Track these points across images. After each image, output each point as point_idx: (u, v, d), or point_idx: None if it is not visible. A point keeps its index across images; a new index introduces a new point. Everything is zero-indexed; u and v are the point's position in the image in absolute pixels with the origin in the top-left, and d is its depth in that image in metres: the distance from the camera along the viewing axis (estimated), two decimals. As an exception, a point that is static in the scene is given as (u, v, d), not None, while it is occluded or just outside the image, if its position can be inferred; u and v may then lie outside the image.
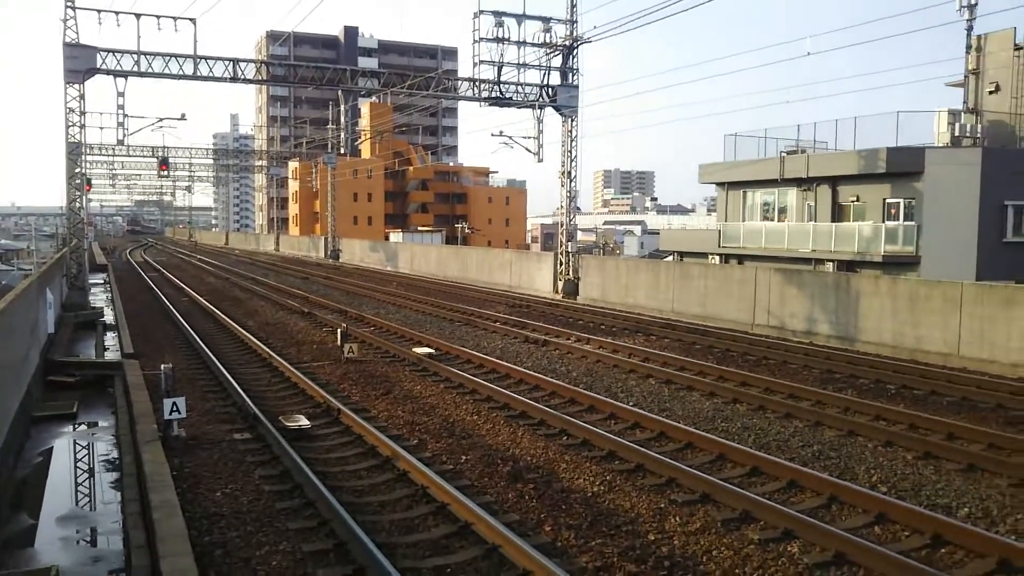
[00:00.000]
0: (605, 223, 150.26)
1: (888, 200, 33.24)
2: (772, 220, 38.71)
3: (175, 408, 11.17)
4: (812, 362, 17.55)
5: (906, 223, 32.20)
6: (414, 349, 18.70)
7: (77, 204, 29.48)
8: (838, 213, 35.34)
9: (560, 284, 32.91)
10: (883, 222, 32.82)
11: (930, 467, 10.32)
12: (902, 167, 31.67)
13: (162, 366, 12.14)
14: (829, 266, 33.55)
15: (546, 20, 31.49)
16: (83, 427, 13.61)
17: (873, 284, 20.35)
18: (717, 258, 39.68)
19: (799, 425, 12.39)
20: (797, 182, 36.66)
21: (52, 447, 12.39)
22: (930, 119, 33.65)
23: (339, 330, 19.65)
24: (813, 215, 36.07)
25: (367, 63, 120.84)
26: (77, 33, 27.87)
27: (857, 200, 34.46)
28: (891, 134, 32.94)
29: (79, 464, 11.80)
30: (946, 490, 9.43)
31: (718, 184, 41.97)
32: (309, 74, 32.67)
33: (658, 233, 68.30)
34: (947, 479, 9.85)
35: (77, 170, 29.11)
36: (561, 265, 33.07)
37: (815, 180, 35.75)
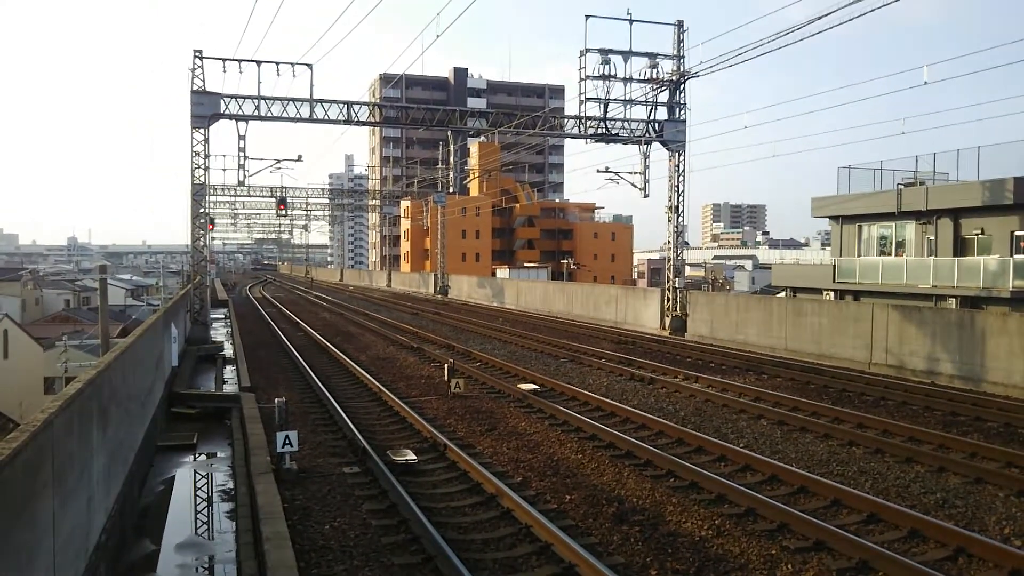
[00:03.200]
0: (715, 258, 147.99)
1: (1017, 233, 31.56)
2: (889, 254, 37.31)
3: (287, 441, 11.50)
4: (934, 403, 16.72)
5: (1037, 257, 30.48)
6: (519, 385, 18.74)
7: (201, 242, 30.96)
8: (960, 247, 33.76)
9: (667, 320, 32.47)
10: (1011, 256, 31.16)
11: (1067, 519, 9.64)
12: (1032, 198, 30.05)
13: (276, 400, 12.56)
14: (951, 302, 32.02)
15: (653, 56, 31.45)
16: (202, 457, 14.18)
17: (1001, 322, 19.29)
18: (832, 294, 38.42)
19: (920, 470, 11.79)
20: (916, 215, 35.27)
21: (174, 476, 12.94)
22: (1062, 147, 31.86)
23: (446, 365, 19.89)
24: (933, 249, 34.57)
25: (476, 103, 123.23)
26: (203, 81, 29.49)
27: (982, 233, 32.86)
28: (1018, 163, 31.36)
29: (198, 493, 12.28)
30: (1086, 545, 8.78)
31: (832, 218, 40.77)
32: (420, 115, 33.51)
33: (770, 268, 66.72)
34: (1087, 533, 9.17)
35: (201, 210, 30.64)
36: (668, 301, 32.65)
37: (935, 213, 34.32)
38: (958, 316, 21.09)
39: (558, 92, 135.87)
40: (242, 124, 30.77)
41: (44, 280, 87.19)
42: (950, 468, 11.75)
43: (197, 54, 29.39)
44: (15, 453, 5.03)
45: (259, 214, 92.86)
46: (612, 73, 30.95)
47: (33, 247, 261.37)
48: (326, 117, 30.98)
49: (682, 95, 32.53)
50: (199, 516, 11.20)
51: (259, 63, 29.86)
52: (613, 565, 8.11)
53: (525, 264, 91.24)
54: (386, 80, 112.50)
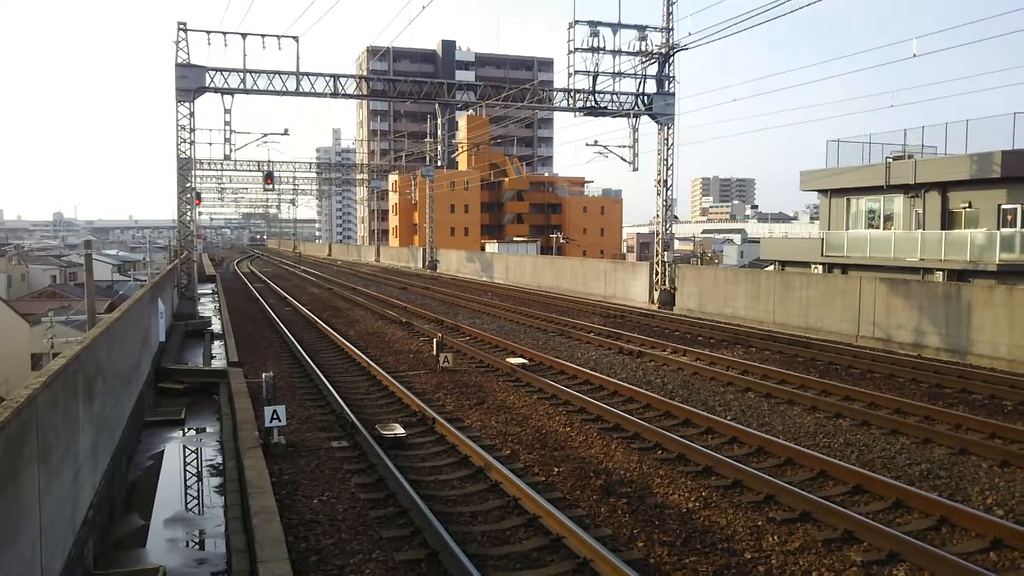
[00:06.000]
0: (703, 232, 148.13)
1: (1004, 206, 31.69)
2: (877, 228, 37.42)
3: (275, 416, 11.49)
4: (920, 376, 16.84)
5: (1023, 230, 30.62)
6: (508, 359, 18.75)
7: (187, 217, 30.75)
8: (948, 220, 33.89)
9: (656, 294, 32.53)
10: (998, 229, 31.30)
11: (1050, 489, 9.74)
12: (1019, 171, 30.14)
13: (263, 375, 12.53)
14: (938, 276, 32.18)
15: (641, 28, 31.25)
16: (190, 433, 14.15)
17: (987, 294, 19.40)
18: (820, 267, 38.56)
19: (906, 442, 11.88)
20: (904, 188, 35.35)
21: (162, 451, 12.92)
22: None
23: (435, 340, 19.88)
24: (921, 223, 34.69)
25: (464, 76, 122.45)
26: (188, 54, 29.17)
27: (969, 207, 32.98)
28: (1007, 137, 31.40)
29: (187, 468, 12.27)
30: (1068, 514, 8.87)
31: (820, 191, 40.84)
32: (407, 88, 33.27)
33: (758, 242, 66.83)
34: (1069, 502, 9.27)
35: (188, 184, 30.42)
36: (657, 275, 32.69)
37: (923, 186, 34.40)
38: (945, 289, 21.19)
39: (547, 65, 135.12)
40: (227, 97, 30.52)
41: (30, 256, 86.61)
42: (935, 439, 11.84)
43: (181, 26, 29.04)
44: (-2, 429, 4.99)
45: (246, 188, 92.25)
46: (601, 46, 30.77)
47: (18, 222, 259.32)
48: (312, 90, 30.74)
49: (671, 68, 32.38)
50: (188, 491, 11.20)
51: (244, 36, 29.55)
52: (600, 537, 8.15)
53: (514, 238, 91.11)
54: (373, 53, 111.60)
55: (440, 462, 11.14)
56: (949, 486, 9.89)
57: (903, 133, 37.22)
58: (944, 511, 8.76)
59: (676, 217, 37.60)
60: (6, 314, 50.65)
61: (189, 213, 30.84)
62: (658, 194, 32.87)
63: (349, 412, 13.22)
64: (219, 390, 16.37)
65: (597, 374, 16.87)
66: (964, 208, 33.22)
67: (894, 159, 36.29)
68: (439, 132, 60.72)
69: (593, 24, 30.55)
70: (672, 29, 31.25)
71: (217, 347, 22.81)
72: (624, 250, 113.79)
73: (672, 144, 32.51)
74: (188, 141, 29.54)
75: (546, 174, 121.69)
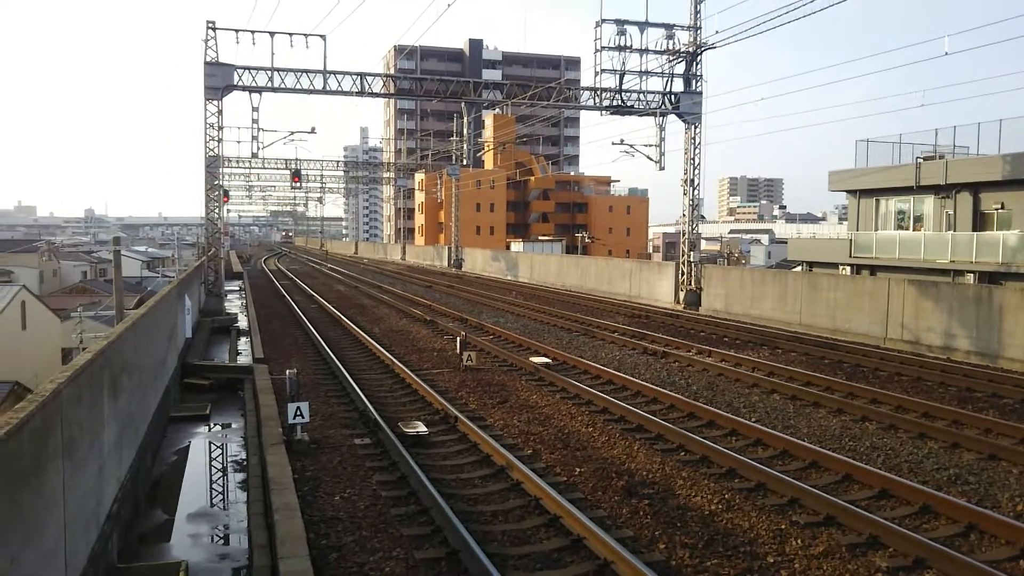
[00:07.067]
0: (731, 232, 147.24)
1: (1037, 208, 31.17)
2: (907, 229, 36.95)
3: (299, 412, 11.54)
4: (949, 379, 16.60)
5: (1057, 232, 30.11)
6: (531, 359, 18.72)
7: (215, 214, 31.00)
8: (980, 222, 33.38)
9: (681, 294, 32.35)
10: (1031, 231, 30.79)
11: (1082, 496, 9.55)
12: (1054, 172, 29.64)
13: (287, 372, 12.60)
14: (969, 278, 31.72)
15: (669, 27, 31.06)
16: (215, 428, 14.26)
17: (1019, 297, 19.07)
18: (848, 268, 38.15)
19: (934, 446, 11.71)
20: (934, 189, 34.87)
21: (187, 446, 13.03)
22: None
23: (458, 338, 19.89)
24: (952, 224, 34.21)
25: (491, 75, 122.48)
26: (217, 52, 29.40)
27: (1002, 208, 32.46)
28: (1041, 137, 30.91)
29: (211, 464, 12.37)
30: (1100, 522, 8.69)
31: (849, 192, 40.38)
32: (434, 87, 33.31)
33: (786, 242, 66.25)
34: (1101, 510, 9.09)
35: (216, 182, 30.66)
36: (683, 275, 32.50)
37: (954, 187, 33.91)
38: (976, 292, 20.88)
39: (574, 64, 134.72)
40: (255, 96, 30.72)
41: (61, 252, 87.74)
42: (964, 444, 11.66)
43: (210, 25, 29.27)
44: (23, 423, 5.04)
45: (274, 186, 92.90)
46: (628, 44, 30.63)
47: (51, 219, 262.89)
48: (339, 89, 30.86)
49: (698, 67, 32.18)
50: (212, 486, 11.29)
51: (272, 34, 29.72)
52: (622, 538, 8.11)
53: (539, 237, 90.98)
54: (400, 51, 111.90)
55: (462, 460, 11.13)
56: (978, 492, 9.73)
57: (934, 133, 36.75)
58: (973, 517, 8.62)
59: (703, 217, 37.39)
60: (38, 309, 51.33)
61: (217, 210, 31.09)
62: (685, 193, 32.68)
63: (372, 409, 13.26)
64: (244, 386, 16.48)
65: (621, 374, 16.79)
66: (996, 209, 32.72)
67: (924, 159, 35.81)
68: (465, 131, 60.78)
69: (620, 23, 30.41)
70: (699, 28, 31.04)
71: (243, 343, 22.98)
72: (650, 250, 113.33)
73: (699, 143, 32.31)
74: (216, 139, 29.78)
75: (572, 173, 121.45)
